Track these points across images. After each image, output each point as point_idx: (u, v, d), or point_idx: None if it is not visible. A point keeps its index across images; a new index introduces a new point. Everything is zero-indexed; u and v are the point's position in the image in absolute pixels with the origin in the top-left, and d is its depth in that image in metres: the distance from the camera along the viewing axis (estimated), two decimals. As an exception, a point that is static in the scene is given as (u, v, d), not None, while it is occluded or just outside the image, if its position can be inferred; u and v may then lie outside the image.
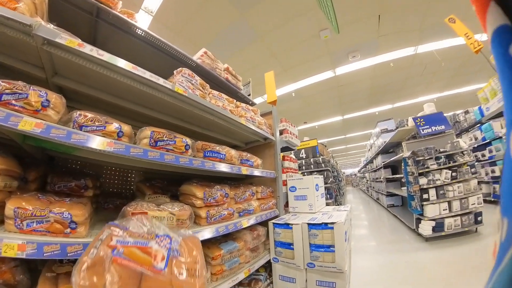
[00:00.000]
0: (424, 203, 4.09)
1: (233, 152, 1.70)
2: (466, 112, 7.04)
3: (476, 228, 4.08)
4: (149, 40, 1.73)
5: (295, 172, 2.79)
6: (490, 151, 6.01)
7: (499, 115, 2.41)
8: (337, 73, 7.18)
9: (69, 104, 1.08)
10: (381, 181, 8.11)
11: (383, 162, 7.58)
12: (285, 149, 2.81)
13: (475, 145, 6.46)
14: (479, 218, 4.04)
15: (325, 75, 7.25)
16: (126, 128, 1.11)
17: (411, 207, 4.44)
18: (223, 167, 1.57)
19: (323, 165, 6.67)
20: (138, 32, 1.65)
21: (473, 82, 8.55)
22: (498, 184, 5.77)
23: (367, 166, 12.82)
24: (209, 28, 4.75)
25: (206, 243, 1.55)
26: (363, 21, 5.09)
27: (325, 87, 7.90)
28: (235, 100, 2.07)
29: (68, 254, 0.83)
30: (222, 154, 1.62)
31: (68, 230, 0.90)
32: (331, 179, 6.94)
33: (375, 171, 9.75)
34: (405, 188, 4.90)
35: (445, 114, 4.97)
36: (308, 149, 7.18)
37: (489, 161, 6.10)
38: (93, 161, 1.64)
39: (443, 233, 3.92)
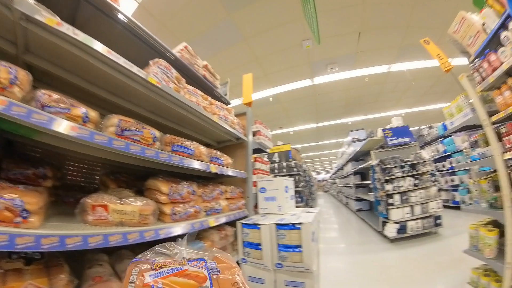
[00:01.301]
0: (389, 207, 4.39)
1: (202, 148, 1.66)
2: (430, 127, 7.87)
3: (436, 230, 4.49)
4: (130, 27, 1.63)
5: (266, 174, 2.79)
6: (450, 162, 6.76)
7: (461, 129, 2.65)
8: (315, 82, 7.44)
9: (37, 84, 0.97)
10: (351, 186, 8.53)
11: (353, 169, 8.00)
12: (257, 151, 2.82)
13: (437, 157, 7.21)
14: (438, 221, 4.46)
15: (303, 83, 7.47)
16: (93, 114, 1.03)
17: (378, 211, 4.73)
18: (191, 163, 1.51)
19: (295, 169, 6.85)
20: (120, 17, 1.54)
21: (438, 101, 9.45)
22: (457, 191, 6.52)
23: (338, 173, 13.36)
24: (195, 24, 4.64)
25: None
26: (344, 36, 5.38)
27: (302, 94, 8.14)
28: (209, 98, 2.04)
29: (17, 247, 0.72)
30: (191, 150, 1.56)
31: (19, 219, 0.79)
32: (302, 183, 7.15)
33: (345, 177, 10.20)
34: (373, 193, 5.22)
35: (411, 128, 5.45)
36: (282, 153, 7.36)
37: (449, 171, 6.84)
38: (55, 149, 1.48)
39: (406, 235, 4.24)
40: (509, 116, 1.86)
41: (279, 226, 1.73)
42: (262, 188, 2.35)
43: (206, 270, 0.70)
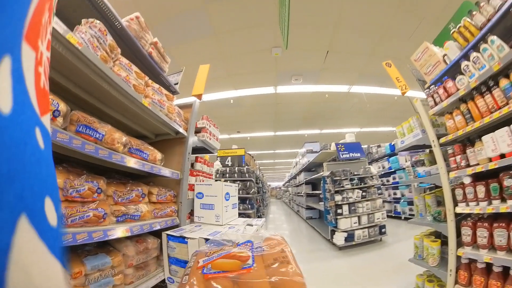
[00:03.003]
0: (338, 217, 4.62)
1: (117, 135, 1.33)
2: (379, 146, 8.94)
3: (381, 238, 4.93)
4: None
5: (209, 177, 2.54)
6: (394, 178, 7.76)
7: (406, 149, 2.93)
8: (278, 91, 7.57)
9: None
10: (302, 195, 8.90)
11: (305, 179, 8.35)
12: (201, 150, 2.56)
13: (382, 172, 8.15)
14: (383, 230, 4.90)
15: (266, 90, 7.51)
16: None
17: (327, 220, 4.94)
18: (95, 151, 1.17)
19: (247, 175, 6.74)
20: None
21: (387, 125, 10.74)
22: (398, 203, 7.50)
23: (291, 181, 13.87)
24: (166, 6, 4.17)
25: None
26: (313, 52, 5.59)
27: (264, 101, 8.19)
28: (147, 78, 1.75)
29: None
30: (100, 133, 1.23)
31: None
32: (254, 189, 7.13)
33: (297, 186, 10.63)
34: (323, 203, 5.47)
35: (362, 145, 5.96)
36: (235, 157, 7.23)
37: (392, 185, 7.82)
38: None
39: (353, 243, 4.50)
40: (457, 139, 2.10)
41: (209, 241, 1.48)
42: (199, 193, 2.04)
43: (251, 250, 0.82)
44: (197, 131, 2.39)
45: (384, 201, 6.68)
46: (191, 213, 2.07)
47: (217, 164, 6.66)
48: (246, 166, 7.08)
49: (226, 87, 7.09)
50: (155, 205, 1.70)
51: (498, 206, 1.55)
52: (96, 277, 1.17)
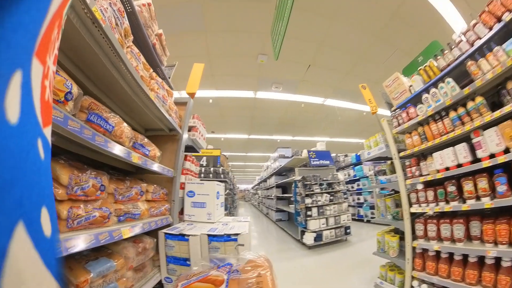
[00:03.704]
0: (308, 218, 5.01)
1: (126, 128, 1.26)
2: (346, 155, 9.91)
3: (346, 238, 5.49)
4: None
5: (195, 176, 2.63)
6: (358, 185, 8.66)
7: (371, 160, 3.40)
8: (257, 96, 7.83)
9: None
10: (272, 198, 9.21)
11: (276, 182, 8.68)
12: (189, 149, 2.62)
13: (348, 179, 9.03)
14: (348, 231, 5.47)
15: (246, 93, 7.69)
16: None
17: (297, 221, 5.31)
18: (106, 144, 1.08)
19: (222, 176, 6.82)
20: None
21: (355, 137, 11.83)
22: (361, 207, 8.36)
23: (261, 184, 14.12)
24: None
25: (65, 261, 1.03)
26: (296, 64, 6.00)
27: (242, 104, 8.35)
28: (151, 70, 1.71)
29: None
30: (110, 125, 1.14)
31: None
32: (227, 191, 7.22)
33: (267, 189, 10.93)
34: (293, 205, 5.84)
35: (331, 154, 6.54)
36: (210, 157, 7.27)
37: (356, 191, 8.73)
38: None
39: (322, 242, 4.94)
40: (413, 153, 2.60)
41: (212, 237, 1.48)
42: (191, 191, 2.05)
43: (227, 274, 0.81)
44: (188, 129, 2.39)
45: (349, 205, 7.41)
46: (180, 212, 2.07)
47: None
48: (221, 167, 7.15)
49: (208, 86, 7.09)
50: (150, 203, 1.64)
51: (443, 207, 2.04)
52: (100, 284, 1.04)
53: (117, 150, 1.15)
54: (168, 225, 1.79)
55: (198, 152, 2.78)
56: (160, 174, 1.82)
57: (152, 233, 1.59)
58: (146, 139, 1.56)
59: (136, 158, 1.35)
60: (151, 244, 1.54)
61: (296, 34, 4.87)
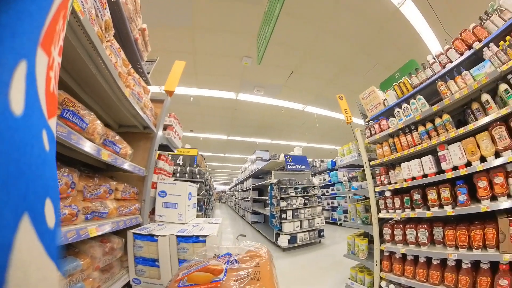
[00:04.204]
0: (283, 221, 5.11)
1: (99, 125, 1.26)
2: (322, 161, 10.26)
3: (320, 240, 5.68)
4: None
5: (169, 176, 2.60)
6: (333, 189, 8.99)
7: (345, 167, 3.57)
8: (239, 98, 7.83)
9: None
10: (249, 200, 9.22)
11: (252, 185, 8.71)
12: (164, 148, 2.58)
13: (323, 184, 9.34)
14: (321, 233, 5.66)
15: (228, 94, 7.66)
16: None
17: (272, 224, 5.39)
18: (79, 142, 1.06)
19: (198, 176, 6.72)
20: None
21: (331, 144, 12.28)
22: (335, 211, 8.65)
23: (238, 186, 14.05)
24: None
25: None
26: (279, 69, 6.12)
27: (223, 105, 8.30)
28: (130, 66, 1.71)
29: None
30: (85, 123, 1.13)
31: None
32: (203, 191, 7.10)
33: (244, 191, 10.92)
34: (268, 208, 5.94)
35: (307, 159, 6.75)
36: (187, 157, 7.10)
37: (331, 196, 9.08)
38: None
39: (296, 244, 5.06)
40: (383, 163, 2.79)
41: (181, 238, 1.48)
42: (162, 191, 2.03)
43: (226, 263, 0.84)
44: (164, 128, 2.35)
45: (323, 209, 7.68)
46: (152, 212, 2.02)
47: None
48: (198, 167, 7.01)
49: (190, 83, 6.93)
50: (120, 202, 1.59)
51: (409, 213, 2.22)
52: (66, 284, 1.02)
53: (88, 147, 1.13)
54: (138, 225, 1.76)
55: (173, 151, 2.73)
56: (131, 173, 1.77)
57: (121, 233, 1.56)
58: (117, 137, 1.53)
59: (106, 156, 1.31)
60: (119, 244, 1.51)
61: (282, 39, 4.97)
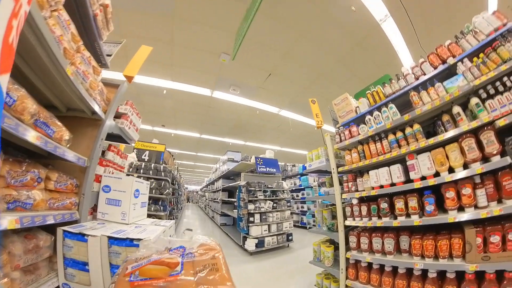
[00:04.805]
0: (250, 224, 4.97)
1: (29, 103, 1.10)
2: (294, 165, 10.37)
3: (288, 244, 5.61)
4: None
5: (120, 170, 2.33)
6: (303, 194, 9.13)
7: (315, 172, 3.57)
8: (214, 95, 7.58)
9: None
10: (218, 201, 8.98)
11: (222, 186, 8.48)
12: (119, 139, 2.33)
13: (294, 188, 9.48)
14: (290, 237, 5.60)
15: (203, 90, 7.38)
16: None
17: (240, 227, 5.22)
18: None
19: (163, 173, 6.28)
20: None
21: (303, 149, 12.43)
22: (305, 215, 8.81)
23: (209, 186, 13.68)
24: None
25: None
26: (257, 70, 6.01)
27: (197, 101, 7.99)
28: (81, 43, 1.53)
29: None
30: (12, 98, 1.00)
31: None
32: (168, 190, 6.68)
33: (214, 192, 10.63)
34: (237, 210, 5.78)
35: (279, 162, 6.71)
36: (153, 152, 6.62)
37: (301, 200, 9.21)
38: None
39: (264, 248, 4.93)
40: (351, 170, 2.77)
41: (113, 240, 1.28)
42: (106, 186, 1.85)
43: (181, 256, 0.81)
44: (117, 116, 2.13)
45: (292, 213, 7.72)
46: (95, 208, 1.82)
47: (132, 157, 5.89)
48: (164, 164, 6.57)
49: (165, 75, 6.52)
50: (52, 193, 1.41)
51: (376, 222, 2.19)
52: None
53: (12, 126, 0.98)
54: (75, 222, 1.56)
55: (128, 143, 2.44)
56: (71, 162, 1.55)
57: (53, 230, 1.37)
58: (54, 119, 1.34)
59: (34, 138, 1.12)
60: (46, 242, 1.32)
61: (263, 40, 4.90)
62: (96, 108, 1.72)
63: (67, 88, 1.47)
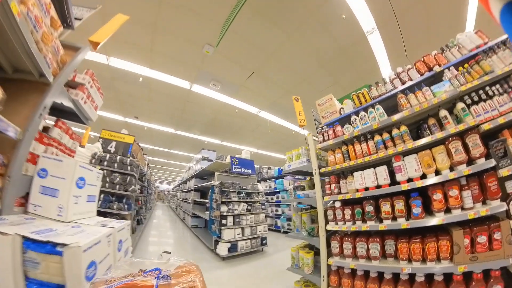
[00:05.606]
0: (223, 227, 4.67)
1: None
2: (269, 168, 10.17)
3: (262, 248, 5.36)
4: None
5: (70, 155, 1.87)
6: (278, 197, 9.00)
7: (293, 173, 3.45)
8: (193, 89, 7.22)
9: None
10: (190, 202, 8.51)
11: (195, 185, 8.07)
12: (74, 117, 1.94)
13: (268, 191, 9.32)
14: (264, 241, 5.37)
15: (182, 82, 6.97)
16: None
17: (211, 229, 4.88)
18: None
19: (129, 168, 5.72)
20: None
21: (281, 152, 12.30)
22: (279, 219, 8.63)
23: (181, 186, 13.04)
24: None
25: None
26: (239, 66, 5.80)
27: (174, 93, 7.52)
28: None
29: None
30: None
31: None
32: (134, 187, 6.12)
33: (186, 192, 10.11)
34: (208, 212, 5.44)
35: (254, 164, 6.52)
36: (121, 144, 6.01)
37: (275, 203, 9.09)
38: None
39: (237, 253, 4.64)
40: (334, 171, 2.68)
41: (30, 242, 0.93)
42: (43, 169, 1.40)
43: (156, 279, 0.75)
44: (72, 86, 1.79)
45: (267, 216, 7.52)
46: (26, 198, 1.36)
47: (97, 147, 5.27)
48: (131, 158, 5.99)
49: (142, 61, 6.01)
50: None
51: (360, 226, 2.09)
52: None
53: None
54: None
55: (84, 123, 2.03)
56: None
57: None
58: None
59: None
60: None
61: (250, 37, 4.74)
62: (44, 68, 1.37)
63: (11, 36, 1.16)
